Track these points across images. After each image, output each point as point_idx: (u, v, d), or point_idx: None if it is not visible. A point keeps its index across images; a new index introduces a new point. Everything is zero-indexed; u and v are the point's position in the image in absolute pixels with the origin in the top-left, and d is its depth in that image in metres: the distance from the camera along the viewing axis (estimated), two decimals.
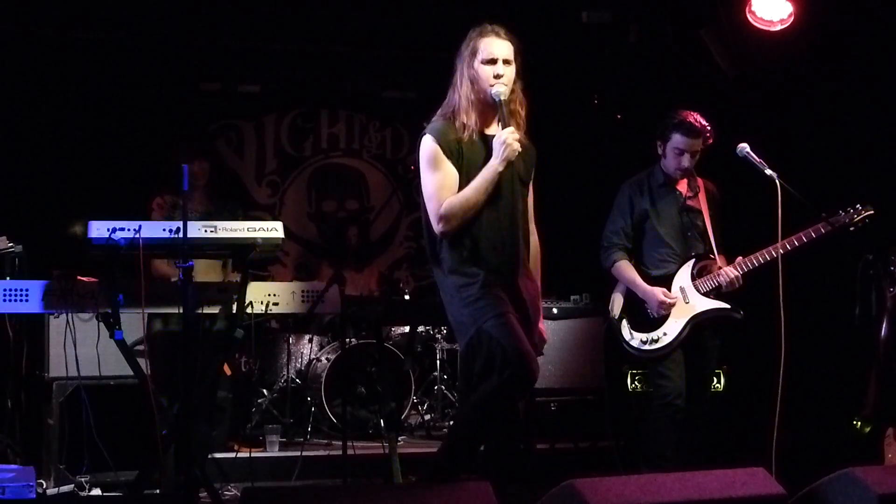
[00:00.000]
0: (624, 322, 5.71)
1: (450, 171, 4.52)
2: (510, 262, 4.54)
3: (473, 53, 4.55)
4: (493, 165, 4.46)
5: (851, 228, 5.39)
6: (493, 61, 4.52)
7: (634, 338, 5.66)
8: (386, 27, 8.32)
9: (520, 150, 4.46)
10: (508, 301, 4.48)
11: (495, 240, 4.52)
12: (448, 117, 4.60)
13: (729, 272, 5.54)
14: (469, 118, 4.55)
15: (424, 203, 4.57)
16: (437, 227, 4.51)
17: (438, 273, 4.64)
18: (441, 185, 4.51)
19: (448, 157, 4.52)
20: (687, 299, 5.58)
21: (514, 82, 4.59)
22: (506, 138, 4.43)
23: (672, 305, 5.55)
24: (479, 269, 4.48)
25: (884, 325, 5.25)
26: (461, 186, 4.51)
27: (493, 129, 4.57)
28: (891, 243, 5.31)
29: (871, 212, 5.40)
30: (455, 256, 4.53)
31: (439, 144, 4.52)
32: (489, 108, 4.57)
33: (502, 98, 4.49)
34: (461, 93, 4.58)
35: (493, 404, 4.46)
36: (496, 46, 4.53)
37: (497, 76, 4.50)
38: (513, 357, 4.34)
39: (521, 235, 4.61)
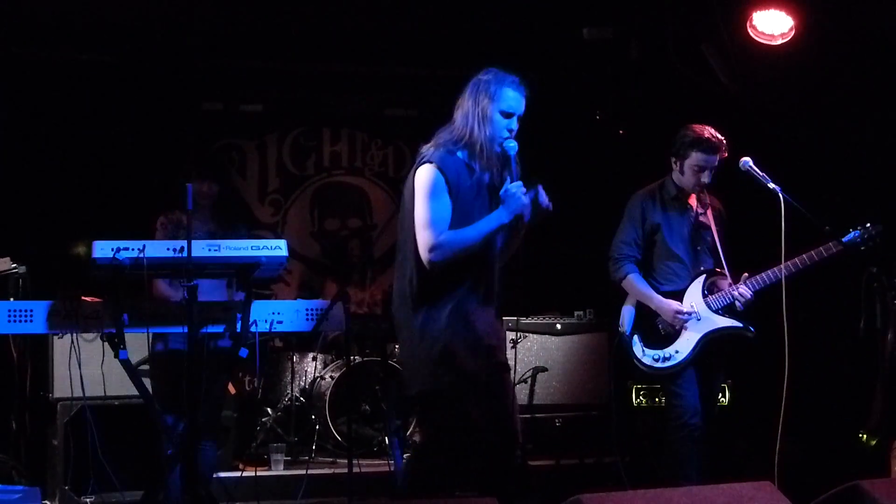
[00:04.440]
0: (635, 338, 5.61)
1: (448, 205, 4.44)
2: (489, 292, 4.55)
3: (494, 97, 4.50)
4: (501, 216, 4.43)
5: (863, 248, 5.37)
6: (510, 115, 4.52)
7: (646, 354, 5.57)
8: (387, 46, 8.35)
9: (528, 203, 4.43)
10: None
11: (478, 275, 4.51)
12: (449, 148, 4.55)
13: (744, 293, 5.47)
14: (477, 151, 4.50)
15: (412, 231, 4.45)
16: (425, 256, 4.38)
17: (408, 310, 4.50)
18: (439, 217, 4.41)
19: (447, 189, 4.44)
20: (699, 317, 5.52)
21: None
22: (515, 192, 4.41)
23: (688, 317, 5.50)
24: (451, 303, 4.42)
25: (889, 337, 5.24)
26: (453, 218, 4.44)
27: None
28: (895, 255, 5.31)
29: (881, 229, 5.37)
30: (437, 292, 4.45)
31: (443, 175, 4.44)
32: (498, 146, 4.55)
33: (513, 153, 4.48)
34: (472, 126, 4.51)
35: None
36: (518, 103, 4.53)
37: (510, 130, 4.51)
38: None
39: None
